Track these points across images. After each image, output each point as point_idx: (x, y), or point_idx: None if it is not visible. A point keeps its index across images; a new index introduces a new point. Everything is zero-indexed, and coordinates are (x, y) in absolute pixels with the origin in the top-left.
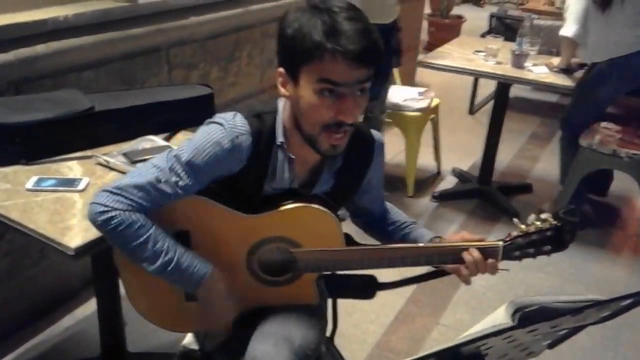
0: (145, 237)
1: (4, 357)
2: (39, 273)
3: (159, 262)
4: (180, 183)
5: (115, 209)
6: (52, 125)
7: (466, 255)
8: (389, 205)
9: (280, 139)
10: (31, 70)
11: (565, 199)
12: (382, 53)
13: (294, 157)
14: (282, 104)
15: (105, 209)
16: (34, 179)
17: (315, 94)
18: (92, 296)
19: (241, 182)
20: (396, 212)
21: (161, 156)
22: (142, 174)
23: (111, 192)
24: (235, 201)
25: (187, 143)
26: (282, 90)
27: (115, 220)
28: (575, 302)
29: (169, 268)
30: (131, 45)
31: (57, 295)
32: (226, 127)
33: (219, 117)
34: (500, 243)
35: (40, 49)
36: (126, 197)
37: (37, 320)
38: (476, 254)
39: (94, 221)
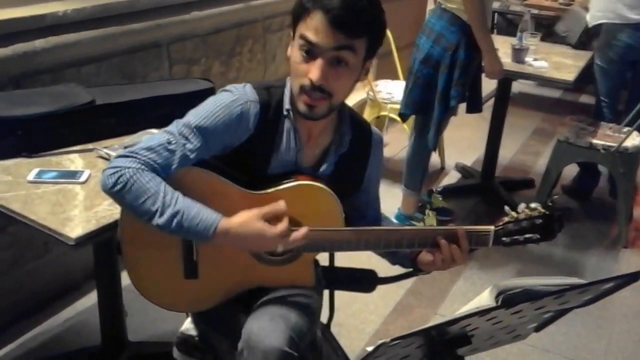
0: (156, 189)
1: (5, 347)
2: (42, 266)
3: (168, 212)
4: (189, 146)
5: (127, 167)
6: (53, 119)
7: (440, 240)
8: (384, 215)
9: (287, 106)
10: (30, 65)
11: (545, 193)
12: (373, 27)
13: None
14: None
15: (117, 169)
16: (35, 171)
17: (297, 51)
18: (93, 288)
19: (249, 155)
20: (391, 222)
21: (172, 124)
22: (154, 138)
23: (123, 155)
24: (241, 179)
25: (196, 109)
26: (288, 52)
27: (126, 177)
28: (558, 286)
29: (178, 218)
30: (131, 41)
31: (60, 288)
32: (235, 94)
33: (229, 86)
34: (492, 227)
35: (39, 43)
36: (138, 158)
37: (38, 311)
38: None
39: (105, 184)
